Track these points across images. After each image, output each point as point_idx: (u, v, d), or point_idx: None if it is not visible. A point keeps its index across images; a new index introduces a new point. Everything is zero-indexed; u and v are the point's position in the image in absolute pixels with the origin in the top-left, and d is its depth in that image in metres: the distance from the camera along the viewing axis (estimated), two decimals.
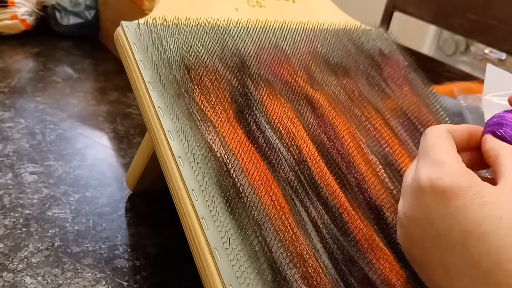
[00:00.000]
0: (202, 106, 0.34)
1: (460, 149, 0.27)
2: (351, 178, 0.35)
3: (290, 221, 0.30)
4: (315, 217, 0.31)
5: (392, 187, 0.36)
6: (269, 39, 0.40)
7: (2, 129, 0.55)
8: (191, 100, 0.34)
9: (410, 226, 0.25)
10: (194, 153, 0.32)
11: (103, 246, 0.41)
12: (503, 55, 1.59)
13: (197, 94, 0.34)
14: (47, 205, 0.44)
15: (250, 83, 0.37)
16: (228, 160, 0.31)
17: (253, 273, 0.28)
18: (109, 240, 0.42)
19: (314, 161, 0.34)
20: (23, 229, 0.41)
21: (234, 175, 0.31)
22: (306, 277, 0.28)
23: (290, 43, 0.41)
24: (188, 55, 0.36)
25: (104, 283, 0.37)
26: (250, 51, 0.39)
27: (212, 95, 0.35)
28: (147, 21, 0.37)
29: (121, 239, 0.42)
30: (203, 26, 0.39)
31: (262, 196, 0.31)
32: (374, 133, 0.39)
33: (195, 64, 0.36)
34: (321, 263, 0.29)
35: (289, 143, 0.34)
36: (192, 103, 0.34)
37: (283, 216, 0.30)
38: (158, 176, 0.34)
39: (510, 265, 0.21)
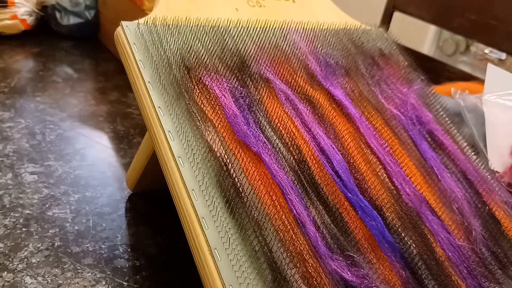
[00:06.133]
0: (202, 106, 0.34)
1: None
2: (351, 178, 0.35)
3: (290, 221, 0.30)
4: (315, 217, 0.31)
5: (392, 187, 0.36)
6: (269, 39, 0.40)
7: (2, 129, 0.55)
8: (191, 100, 0.34)
9: None
10: (194, 153, 0.32)
11: (103, 246, 0.41)
12: (503, 55, 1.59)
13: (197, 94, 0.34)
14: (47, 205, 0.44)
15: (250, 83, 0.37)
16: (228, 160, 0.31)
17: (253, 273, 0.28)
18: (109, 240, 0.42)
19: (314, 161, 0.34)
20: (23, 229, 0.41)
21: (234, 175, 0.31)
22: (306, 277, 0.28)
23: (290, 43, 0.41)
24: (188, 55, 0.36)
25: (104, 283, 0.37)
26: (250, 51, 0.39)
27: (212, 95, 0.35)
28: (147, 21, 0.37)
29: (121, 239, 0.42)
30: (203, 26, 0.39)
31: (262, 196, 0.31)
32: (374, 133, 0.39)
33: (195, 64, 0.36)
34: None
35: (289, 143, 0.34)
36: (192, 103, 0.34)
37: (283, 216, 0.30)
38: (158, 176, 0.34)
39: None
